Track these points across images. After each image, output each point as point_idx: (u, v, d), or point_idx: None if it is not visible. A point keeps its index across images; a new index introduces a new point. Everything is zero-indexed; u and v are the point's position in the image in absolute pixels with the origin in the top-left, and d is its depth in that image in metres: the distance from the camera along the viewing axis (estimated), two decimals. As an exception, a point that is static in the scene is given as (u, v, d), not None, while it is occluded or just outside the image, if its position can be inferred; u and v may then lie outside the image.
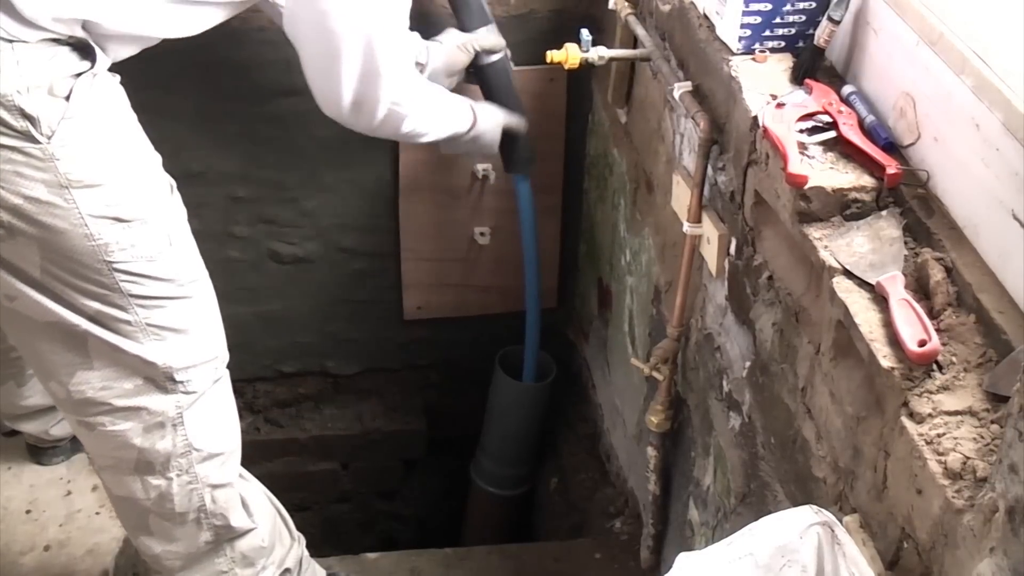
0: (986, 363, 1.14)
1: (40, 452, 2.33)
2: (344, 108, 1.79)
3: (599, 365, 2.65)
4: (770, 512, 1.25)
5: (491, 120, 2.11)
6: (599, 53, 1.98)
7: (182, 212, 1.71)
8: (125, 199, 1.57)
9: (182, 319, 1.69)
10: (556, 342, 2.77)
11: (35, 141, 1.47)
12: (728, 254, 1.69)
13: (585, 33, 1.99)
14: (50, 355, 1.66)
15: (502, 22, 2.32)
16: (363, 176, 2.50)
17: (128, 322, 1.63)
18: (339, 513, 2.93)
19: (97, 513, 2.25)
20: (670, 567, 1.23)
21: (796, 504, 1.33)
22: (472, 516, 2.87)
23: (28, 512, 2.24)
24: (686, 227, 1.76)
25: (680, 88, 1.76)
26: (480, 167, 2.46)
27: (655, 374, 1.96)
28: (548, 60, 1.99)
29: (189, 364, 1.71)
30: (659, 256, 2.10)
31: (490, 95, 2.17)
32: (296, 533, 2.07)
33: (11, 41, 1.43)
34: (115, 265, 1.59)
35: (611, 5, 2.11)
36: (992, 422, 1.09)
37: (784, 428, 1.49)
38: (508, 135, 2.16)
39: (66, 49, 1.50)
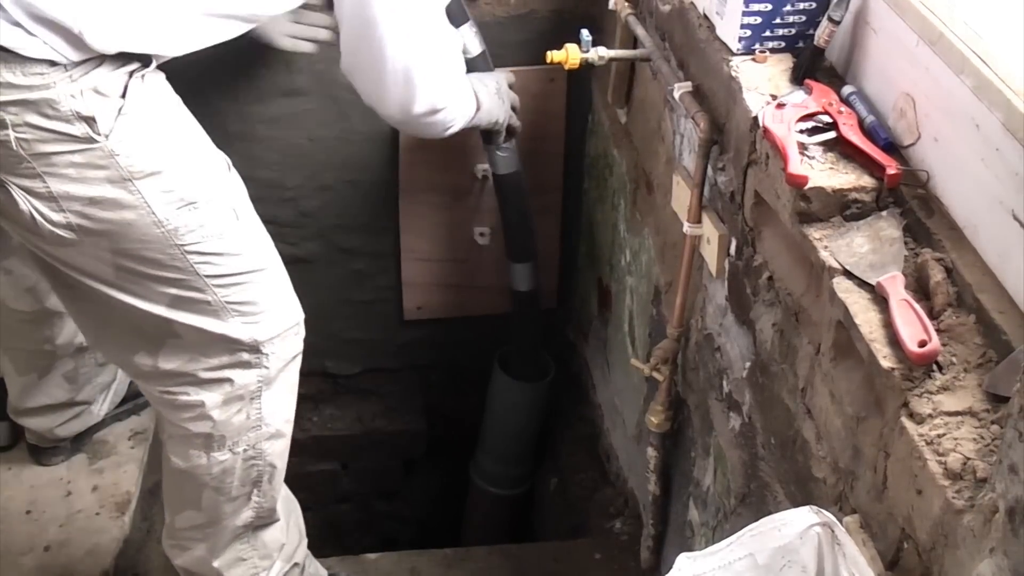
0: (986, 363, 1.14)
1: (40, 452, 2.32)
2: (393, 116, 1.90)
3: (599, 365, 2.65)
4: (770, 512, 1.25)
5: (487, 95, 2.12)
6: (599, 53, 1.98)
7: (242, 187, 1.72)
8: (187, 181, 1.59)
9: (259, 292, 1.70)
10: (556, 342, 2.77)
11: (94, 141, 1.49)
12: (728, 254, 1.69)
13: (585, 33, 1.98)
14: (137, 334, 1.68)
15: (502, 22, 2.32)
16: (363, 176, 2.50)
17: (208, 302, 1.65)
18: (339, 513, 2.93)
19: (97, 514, 2.25)
20: (670, 567, 1.22)
21: (796, 504, 1.33)
22: (472, 516, 2.86)
23: (28, 512, 2.24)
24: (686, 227, 1.76)
25: (680, 88, 1.76)
26: (480, 167, 2.47)
27: (655, 374, 1.96)
28: (548, 60, 1.98)
29: (274, 335, 1.73)
30: (659, 256, 2.10)
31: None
32: (303, 530, 2.09)
33: (67, 66, 1.45)
34: (187, 248, 1.60)
35: (611, 5, 2.10)
36: (992, 422, 1.09)
37: (784, 428, 1.49)
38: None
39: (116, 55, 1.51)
